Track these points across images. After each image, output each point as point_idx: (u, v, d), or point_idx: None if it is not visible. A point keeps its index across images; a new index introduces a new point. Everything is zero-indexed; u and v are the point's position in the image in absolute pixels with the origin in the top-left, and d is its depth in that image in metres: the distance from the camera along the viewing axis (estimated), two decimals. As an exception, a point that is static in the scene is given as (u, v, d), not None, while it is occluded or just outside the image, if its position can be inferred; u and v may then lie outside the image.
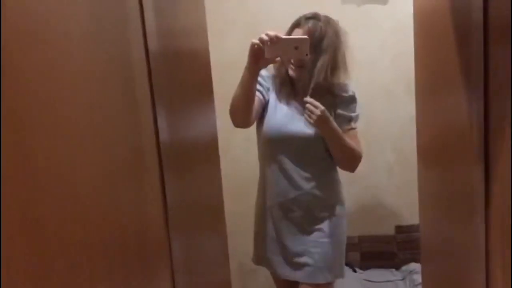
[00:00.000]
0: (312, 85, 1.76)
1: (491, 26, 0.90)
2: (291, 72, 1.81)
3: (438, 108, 1.31)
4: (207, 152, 1.51)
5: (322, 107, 1.69)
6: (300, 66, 1.77)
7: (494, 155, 0.93)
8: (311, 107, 1.69)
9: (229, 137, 2.70)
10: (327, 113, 1.71)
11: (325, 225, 1.89)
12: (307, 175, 1.84)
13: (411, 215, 2.83)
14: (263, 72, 1.86)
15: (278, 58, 1.59)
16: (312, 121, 1.70)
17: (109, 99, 0.79)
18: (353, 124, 1.86)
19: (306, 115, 1.72)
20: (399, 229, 2.89)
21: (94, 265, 0.69)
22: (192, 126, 1.31)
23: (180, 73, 1.22)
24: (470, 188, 1.06)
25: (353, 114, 1.86)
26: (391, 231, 2.90)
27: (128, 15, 0.91)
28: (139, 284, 0.86)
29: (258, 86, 1.81)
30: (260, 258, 2.02)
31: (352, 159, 1.84)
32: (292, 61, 1.78)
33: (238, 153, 2.82)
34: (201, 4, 1.55)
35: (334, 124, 1.75)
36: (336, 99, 1.85)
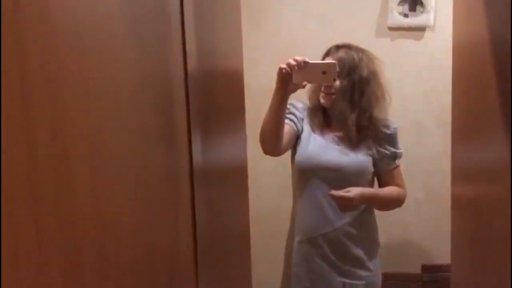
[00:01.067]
0: (362, 120, 1.77)
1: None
2: (322, 100, 1.79)
3: (475, 147, 1.27)
4: (237, 177, 1.50)
5: (348, 194, 1.68)
6: (331, 93, 1.76)
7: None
8: (342, 202, 1.69)
9: (257, 164, 2.69)
10: (357, 191, 1.70)
11: (358, 266, 1.83)
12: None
13: (438, 255, 2.74)
14: (298, 103, 1.86)
15: (305, 83, 1.59)
16: (351, 209, 1.75)
17: (147, 118, 0.80)
18: (397, 162, 1.83)
19: (341, 210, 1.73)
20: (426, 268, 2.80)
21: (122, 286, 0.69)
22: (224, 150, 1.31)
23: (216, 95, 1.22)
24: (506, 234, 1.01)
25: (398, 151, 1.83)
26: (417, 269, 2.82)
27: (170, 36, 0.92)
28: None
29: (291, 116, 1.80)
30: None
31: (396, 205, 1.89)
32: (322, 88, 1.77)
33: (266, 181, 2.80)
34: (238, 29, 1.57)
35: (370, 192, 1.79)
36: (379, 135, 1.81)
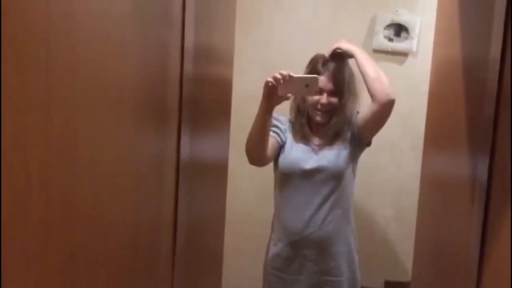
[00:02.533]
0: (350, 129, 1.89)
1: (503, 96, 0.97)
2: (318, 118, 1.88)
3: (442, 165, 1.37)
4: (218, 175, 1.56)
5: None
6: (326, 110, 1.86)
7: (493, 220, 0.97)
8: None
9: (235, 168, 2.75)
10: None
11: (339, 262, 1.92)
12: (323, 210, 1.88)
13: (401, 272, 2.84)
14: (280, 117, 1.95)
15: (290, 95, 1.68)
16: (341, 45, 1.86)
17: (145, 113, 0.86)
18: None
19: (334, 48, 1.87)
20: (388, 284, 2.89)
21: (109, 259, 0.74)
22: (209, 148, 1.37)
23: (206, 97, 1.29)
24: (466, 251, 1.09)
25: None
26: (380, 285, 2.91)
27: (170, 40, 0.98)
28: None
29: (275, 129, 1.89)
30: None
31: (385, 81, 1.81)
32: (318, 106, 1.86)
33: (243, 185, 2.86)
34: (232, 38, 1.64)
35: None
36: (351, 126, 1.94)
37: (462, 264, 1.12)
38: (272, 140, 1.84)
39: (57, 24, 0.54)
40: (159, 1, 0.91)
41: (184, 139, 1.06)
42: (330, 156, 1.87)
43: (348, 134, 1.91)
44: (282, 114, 1.98)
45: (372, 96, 1.81)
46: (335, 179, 1.87)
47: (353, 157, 1.93)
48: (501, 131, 0.95)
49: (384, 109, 1.81)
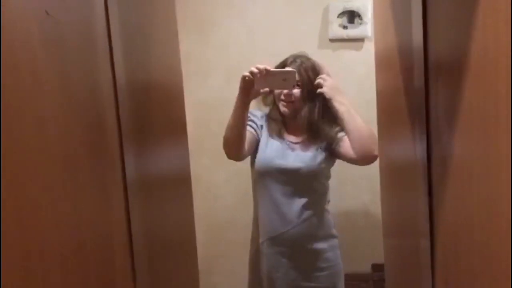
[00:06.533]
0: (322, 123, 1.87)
1: (430, 67, 0.99)
2: (282, 109, 1.88)
3: (393, 145, 1.39)
4: (179, 187, 1.56)
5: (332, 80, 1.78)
6: (291, 101, 1.85)
7: (437, 187, 1.00)
8: (322, 78, 1.78)
9: (211, 176, 2.77)
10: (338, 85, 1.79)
11: (315, 259, 1.94)
12: (297, 208, 1.89)
13: (387, 254, 2.86)
14: (257, 112, 1.97)
15: (267, 89, 1.69)
16: (325, 87, 1.77)
17: (75, 139, 0.84)
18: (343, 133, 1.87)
19: (318, 82, 1.79)
20: (376, 267, 2.92)
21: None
22: (163, 162, 1.36)
23: (151, 109, 1.28)
24: (417, 223, 1.11)
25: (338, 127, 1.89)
26: (367, 269, 2.93)
27: (96, 56, 0.96)
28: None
29: (252, 123, 1.91)
30: None
31: (369, 135, 1.78)
32: (282, 97, 1.86)
33: (220, 191, 2.87)
34: (175, 43, 1.63)
35: (345, 97, 1.80)
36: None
37: (415, 234, 1.14)
38: (249, 134, 1.85)
39: None
40: (76, 19, 0.91)
41: (129, 157, 1.05)
42: (305, 157, 1.87)
43: (324, 143, 1.90)
44: (258, 109, 2.01)
45: (353, 149, 1.79)
46: (310, 178, 1.89)
47: (328, 163, 1.93)
48: (432, 102, 0.97)
49: (363, 163, 1.81)
